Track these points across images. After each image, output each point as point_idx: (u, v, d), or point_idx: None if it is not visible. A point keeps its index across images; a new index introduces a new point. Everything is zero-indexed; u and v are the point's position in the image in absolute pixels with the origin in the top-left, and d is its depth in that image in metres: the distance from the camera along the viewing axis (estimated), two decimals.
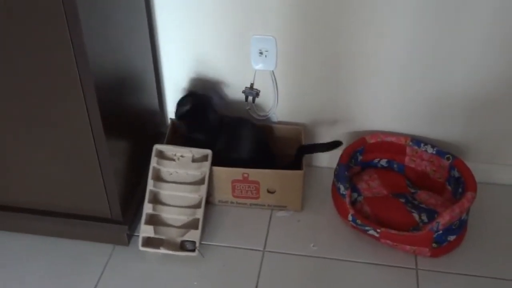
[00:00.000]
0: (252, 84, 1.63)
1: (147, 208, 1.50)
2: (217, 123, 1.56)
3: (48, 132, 1.33)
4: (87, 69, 1.21)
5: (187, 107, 1.55)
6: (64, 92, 1.26)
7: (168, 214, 1.51)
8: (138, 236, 1.50)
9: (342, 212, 1.53)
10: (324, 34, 1.51)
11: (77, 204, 1.47)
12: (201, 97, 1.58)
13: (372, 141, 1.63)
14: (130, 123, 1.51)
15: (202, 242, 1.50)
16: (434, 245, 1.42)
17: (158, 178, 1.54)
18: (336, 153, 1.60)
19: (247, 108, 1.67)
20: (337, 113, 1.66)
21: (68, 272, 1.45)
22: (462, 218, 1.43)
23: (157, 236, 1.49)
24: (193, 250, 1.47)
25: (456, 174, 1.52)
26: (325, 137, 1.69)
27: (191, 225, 1.50)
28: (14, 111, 1.30)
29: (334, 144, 1.54)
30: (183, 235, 1.48)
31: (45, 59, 1.21)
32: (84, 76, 1.22)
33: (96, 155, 1.35)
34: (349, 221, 1.49)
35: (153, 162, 1.53)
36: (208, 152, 1.54)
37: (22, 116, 1.31)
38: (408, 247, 1.44)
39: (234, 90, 1.66)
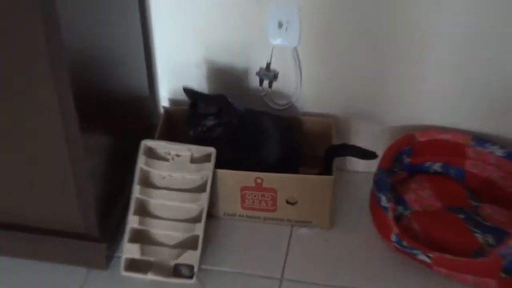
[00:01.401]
0: (268, 64, 1.64)
1: (132, 221, 1.50)
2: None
3: (6, 123, 1.34)
4: (59, 41, 1.21)
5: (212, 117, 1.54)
6: (27, 71, 1.26)
7: (158, 230, 1.51)
8: (120, 257, 1.50)
9: (383, 230, 1.52)
10: (361, 0, 1.51)
11: (42, 216, 1.48)
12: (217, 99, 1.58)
13: (423, 139, 1.62)
14: (112, 112, 1.51)
15: (202, 267, 1.50)
16: (502, 275, 1.41)
17: (147, 183, 1.54)
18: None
19: (262, 94, 1.68)
20: (377, 102, 1.66)
21: None
22: None
23: (144, 258, 1.48)
24: (191, 277, 1.47)
25: None
26: (361, 133, 1.70)
27: (189, 244, 1.49)
28: None
29: (370, 155, 1.56)
30: (177, 257, 1.48)
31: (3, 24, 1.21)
32: (55, 50, 1.22)
33: (68, 154, 1.36)
34: (392, 242, 1.49)
35: (141, 162, 1.53)
36: (211, 150, 1.54)
37: None
38: (468, 277, 1.44)
39: (246, 72, 1.67)
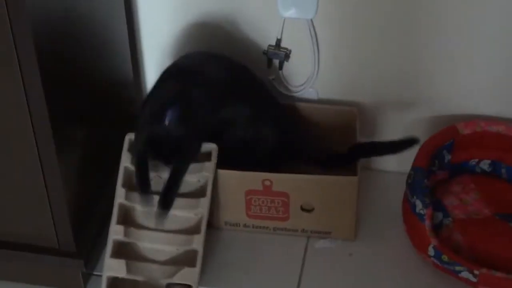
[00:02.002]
0: (279, 41, 1.64)
1: (115, 232, 1.50)
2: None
3: None
4: (21, 15, 1.20)
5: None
6: None
7: (147, 243, 1.52)
8: (100, 276, 1.50)
9: (418, 242, 1.51)
10: None
11: (6, 228, 1.48)
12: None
13: (468, 131, 1.63)
14: (89, 101, 1.51)
15: (200, 287, 1.48)
16: None
17: (133, 185, 1.54)
18: (410, 151, 1.58)
19: (271, 78, 1.70)
20: (410, 86, 1.67)
21: None
22: None
23: (130, 277, 1.48)
24: None
25: None
26: (391, 125, 1.71)
27: (185, 260, 1.50)
28: None
29: (408, 143, 1.54)
30: (171, 275, 1.47)
31: None
32: (17, 25, 1.21)
33: (37, 151, 1.36)
34: (430, 256, 1.48)
35: (125, 160, 1.54)
36: (212, 147, 1.54)
37: None
38: None
39: (251, 50, 1.67)
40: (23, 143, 1.35)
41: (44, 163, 1.37)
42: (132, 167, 1.54)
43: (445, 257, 1.44)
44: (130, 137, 1.55)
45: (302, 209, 1.55)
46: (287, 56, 1.65)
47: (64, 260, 1.47)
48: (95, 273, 1.53)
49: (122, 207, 1.52)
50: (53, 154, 1.35)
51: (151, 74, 1.77)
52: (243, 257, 1.57)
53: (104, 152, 1.57)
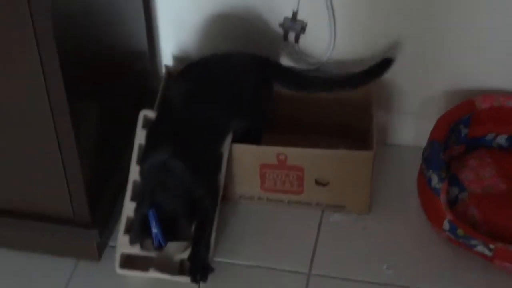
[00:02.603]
0: (295, 14, 1.63)
1: (129, 208, 1.49)
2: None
3: None
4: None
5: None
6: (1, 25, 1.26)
7: None
8: (113, 247, 1.51)
9: (433, 216, 1.51)
10: None
11: (23, 198, 1.49)
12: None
13: (485, 106, 1.62)
14: (103, 74, 1.51)
15: (215, 260, 1.50)
16: None
17: None
18: (427, 124, 1.58)
19: (287, 51, 1.69)
20: (427, 60, 1.66)
21: None
22: None
23: (144, 253, 1.47)
24: None
25: None
26: (409, 99, 1.70)
27: None
28: None
29: (384, 65, 1.57)
30: (184, 250, 1.46)
31: None
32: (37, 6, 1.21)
33: (53, 125, 1.35)
34: (445, 231, 1.47)
35: (140, 137, 1.53)
36: None
37: None
38: None
39: (267, 23, 1.67)
40: (40, 116, 1.35)
41: (60, 135, 1.37)
42: None
43: (460, 232, 1.44)
44: (144, 113, 1.54)
45: (317, 183, 1.55)
46: (303, 28, 1.63)
47: (79, 231, 1.48)
48: (110, 244, 1.54)
49: (136, 184, 1.52)
50: (69, 126, 1.35)
51: (166, 47, 1.76)
52: (258, 230, 1.57)
53: (119, 127, 1.57)
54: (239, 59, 1.57)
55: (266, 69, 1.60)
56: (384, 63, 1.58)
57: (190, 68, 1.57)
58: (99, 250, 1.52)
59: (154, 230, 1.36)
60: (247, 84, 1.56)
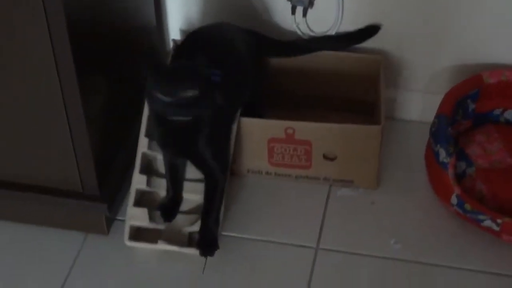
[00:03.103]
0: None
1: (138, 181, 1.50)
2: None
3: None
4: None
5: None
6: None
7: None
8: (122, 221, 1.52)
9: (441, 191, 1.51)
10: None
11: (32, 171, 1.49)
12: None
13: (492, 80, 1.61)
14: (112, 46, 1.50)
15: (223, 233, 1.51)
16: None
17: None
18: (434, 99, 1.58)
19: (295, 25, 1.67)
20: (436, 34, 1.65)
21: (12, 278, 1.46)
22: None
23: (153, 226, 1.49)
24: None
25: None
26: (417, 73, 1.69)
27: None
28: None
29: (368, 31, 1.58)
30: (193, 223, 1.48)
31: None
32: None
33: (62, 97, 1.35)
34: (453, 205, 1.47)
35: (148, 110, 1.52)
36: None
37: None
38: None
39: None
40: (48, 89, 1.35)
41: (68, 108, 1.36)
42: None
43: (468, 206, 1.44)
44: None
45: (325, 157, 1.56)
46: (311, 2, 1.62)
47: (88, 204, 1.49)
48: (118, 217, 1.54)
49: (144, 157, 1.52)
50: (77, 98, 1.35)
51: (174, 22, 1.76)
52: (266, 205, 1.58)
53: (127, 100, 1.56)
54: (234, 31, 1.56)
55: (257, 41, 1.59)
56: (371, 30, 1.58)
57: (194, 38, 1.54)
58: (108, 223, 1.52)
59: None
60: (247, 56, 1.55)
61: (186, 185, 1.52)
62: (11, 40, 1.30)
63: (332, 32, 1.67)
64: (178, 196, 1.49)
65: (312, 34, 1.70)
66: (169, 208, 1.48)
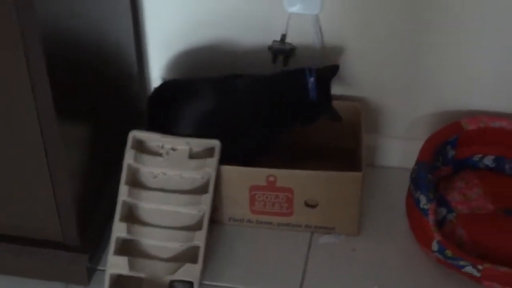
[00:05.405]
0: (284, 36, 1.64)
1: (119, 229, 1.51)
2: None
3: None
4: (29, 8, 1.21)
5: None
6: None
7: (150, 240, 1.52)
8: (103, 270, 1.50)
9: (422, 237, 1.52)
10: None
11: (12, 221, 1.49)
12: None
13: (471, 127, 1.63)
14: (94, 95, 1.51)
15: (204, 282, 1.50)
16: None
17: (136, 183, 1.55)
18: (414, 145, 1.59)
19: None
20: (415, 82, 1.67)
21: None
22: None
23: (133, 274, 1.48)
24: None
25: None
26: (397, 120, 1.70)
27: (187, 256, 1.50)
28: None
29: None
30: (173, 272, 1.48)
31: None
32: (25, 19, 1.22)
33: (43, 147, 1.36)
34: (434, 251, 1.48)
35: (129, 157, 1.54)
36: (215, 143, 1.55)
37: None
38: None
39: (256, 46, 1.67)
40: (30, 138, 1.35)
41: (50, 158, 1.37)
42: (135, 164, 1.54)
43: (449, 252, 1.45)
44: (133, 134, 1.55)
45: (306, 204, 1.56)
46: (292, 51, 1.64)
47: (69, 255, 1.48)
48: (99, 268, 1.53)
49: (125, 204, 1.52)
50: (59, 149, 1.36)
51: (155, 70, 1.77)
52: (247, 253, 1.57)
53: (108, 148, 1.56)
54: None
55: None
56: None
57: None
58: (89, 274, 1.51)
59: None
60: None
61: (165, 232, 1.51)
62: None
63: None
64: None
65: None
66: None
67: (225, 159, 1.53)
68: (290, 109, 1.59)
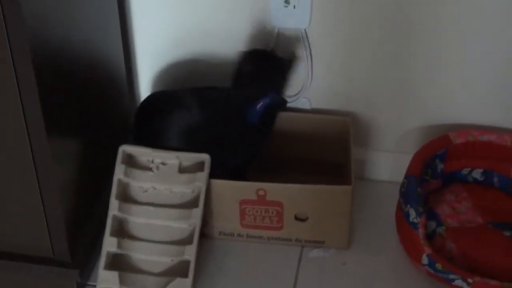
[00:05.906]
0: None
1: (109, 244, 1.51)
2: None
3: None
4: (20, 32, 1.21)
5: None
6: None
7: (141, 254, 1.52)
8: (94, 286, 1.50)
9: (412, 251, 1.52)
10: None
11: (2, 237, 1.48)
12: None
13: (460, 141, 1.63)
14: (83, 111, 1.52)
15: None
16: None
17: (126, 197, 1.55)
18: (403, 159, 1.60)
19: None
20: (404, 96, 1.67)
21: None
22: None
23: None
24: None
25: None
26: (385, 134, 1.71)
27: (177, 271, 1.50)
28: None
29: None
30: (164, 286, 1.48)
31: None
32: (15, 33, 1.22)
33: (33, 163, 1.36)
34: (424, 265, 1.49)
35: (119, 172, 1.54)
36: (204, 157, 1.55)
37: None
38: None
39: None
40: (19, 154, 1.35)
41: (39, 174, 1.37)
42: (125, 179, 1.53)
43: (439, 266, 1.45)
44: (123, 149, 1.55)
45: (296, 218, 1.56)
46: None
47: (59, 270, 1.48)
48: (90, 283, 1.52)
49: (115, 219, 1.52)
50: (49, 165, 1.36)
51: (144, 85, 1.78)
52: (237, 267, 1.57)
53: (98, 163, 1.57)
54: None
55: None
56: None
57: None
58: None
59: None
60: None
61: (156, 247, 1.51)
62: None
63: (301, 96, 1.69)
64: None
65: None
66: None
67: (212, 170, 1.53)
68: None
